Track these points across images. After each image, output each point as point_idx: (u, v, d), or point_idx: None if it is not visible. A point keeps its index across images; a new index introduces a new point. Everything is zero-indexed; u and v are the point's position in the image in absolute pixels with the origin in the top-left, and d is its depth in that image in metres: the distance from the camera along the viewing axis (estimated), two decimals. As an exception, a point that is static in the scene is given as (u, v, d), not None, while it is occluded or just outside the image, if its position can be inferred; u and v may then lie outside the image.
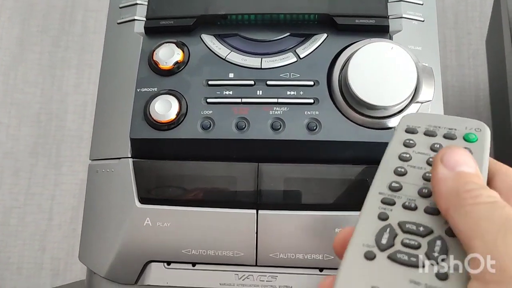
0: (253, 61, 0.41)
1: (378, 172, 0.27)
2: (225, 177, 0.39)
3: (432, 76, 0.39)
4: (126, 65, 0.43)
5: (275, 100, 0.39)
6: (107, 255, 0.40)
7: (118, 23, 0.46)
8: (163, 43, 0.42)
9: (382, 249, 0.23)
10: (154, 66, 0.41)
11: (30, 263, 0.89)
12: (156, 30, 0.43)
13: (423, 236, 0.24)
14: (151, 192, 0.40)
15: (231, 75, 0.40)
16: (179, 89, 0.40)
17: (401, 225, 0.24)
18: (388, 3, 0.43)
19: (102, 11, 1.01)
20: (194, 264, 0.40)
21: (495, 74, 0.81)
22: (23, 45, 1.01)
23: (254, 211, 0.39)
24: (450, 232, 0.23)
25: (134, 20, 0.45)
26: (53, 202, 0.94)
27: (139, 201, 0.40)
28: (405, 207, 0.25)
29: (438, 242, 0.23)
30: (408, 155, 0.27)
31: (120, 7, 0.46)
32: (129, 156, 0.41)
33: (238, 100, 0.39)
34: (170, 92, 0.40)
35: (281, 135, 0.38)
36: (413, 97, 0.38)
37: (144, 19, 0.44)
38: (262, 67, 0.40)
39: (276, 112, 0.39)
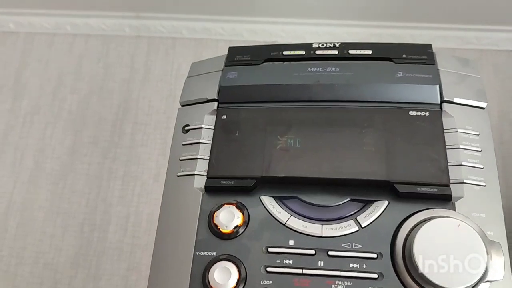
0: (313, 228, 0.40)
1: None
2: None
3: (501, 252, 0.38)
4: (184, 223, 0.43)
5: (337, 273, 0.38)
6: None
7: (178, 176, 0.47)
8: (224, 205, 0.42)
9: None
10: (214, 229, 0.41)
11: None
12: (216, 189, 0.44)
13: None
14: None
15: (291, 243, 0.40)
16: (238, 255, 0.40)
17: None
18: (448, 167, 0.43)
19: (150, 125, 1.05)
20: None
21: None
22: (74, 155, 1.05)
23: None
24: None
25: (194, 174, 0.46)
26: (89, 317, 0.92)
27: None
28: None
29: None
30: None
31: (180, 160, 0.48)
32: (184, 320, 0.40)
33: (299, 271, 0.39)
34: (229, 258, 0.40)
35: (345, 312, 0.37)
36: (482, 277, 0.37)
37: (204, 173, 0.45)
38: (323, 235, 0.40)
39: (338, 286, 0.38)
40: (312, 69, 0.49)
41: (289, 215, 0.41)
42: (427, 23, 1.03)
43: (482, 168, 0.43)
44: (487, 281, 0.37)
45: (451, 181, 0.42)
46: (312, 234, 0.40)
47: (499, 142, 0.97)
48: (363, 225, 0.40)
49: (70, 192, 1.02)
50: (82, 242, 0.97)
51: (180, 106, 0.52)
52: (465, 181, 0.42)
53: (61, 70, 1.13)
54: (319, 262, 0.39)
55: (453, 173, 0.42)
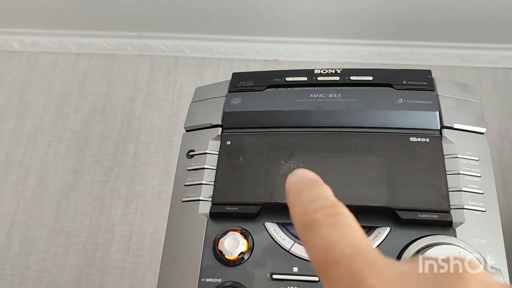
0: (317, 255, 0.41)
1: None
2: None
3: (501, 279, 0.39)
4: (190, 249, 0.44)
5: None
6: None
7: (183, 201, 0.48)
8: (228, 231, 0.43)
9: None
10: (218, 256, 0.42)
11: None
12: (221, 215, 0.45)
13: None
14: None
15: (295, 269, 0.41)
16: (243, 282, 0.41)
17: None
18: (449, 193, 0.43)
19: (153, 143, 1.06)
20: None
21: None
22: (77, 174, 1.05)
23: None
24: None
25: (198, 200, 0.47)
26: (92, 336, 0.92)
27: None
28: None
29: None
30: None
31: (185, 185, 0.48)
32: None
33: (303, 298, 0.39)
34: (234, 285, 0.40)
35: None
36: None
37: (208, 199, 0.46)
38: (326, 261, 0.41)
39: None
40: (314, 95, 0.50)
41: (293, 242, 0.42)
42: (426, 41, 1.05)
43: (482, 193, 0.44)
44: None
45: (451, 207, 0.43)
46: (316, 261, 0.41)
47: (499, 160, 0.98)
48: (366, 252, 0.41)
49: (73, 211, 1.02)
50: (85, 261, 0.98)
51: (185, 131, 0.53)
52: (465, 206, 0.43)
53: (65, 89, 1.14)
54: (323, 289, 0.39)
55: (454, 199, 0.43)
